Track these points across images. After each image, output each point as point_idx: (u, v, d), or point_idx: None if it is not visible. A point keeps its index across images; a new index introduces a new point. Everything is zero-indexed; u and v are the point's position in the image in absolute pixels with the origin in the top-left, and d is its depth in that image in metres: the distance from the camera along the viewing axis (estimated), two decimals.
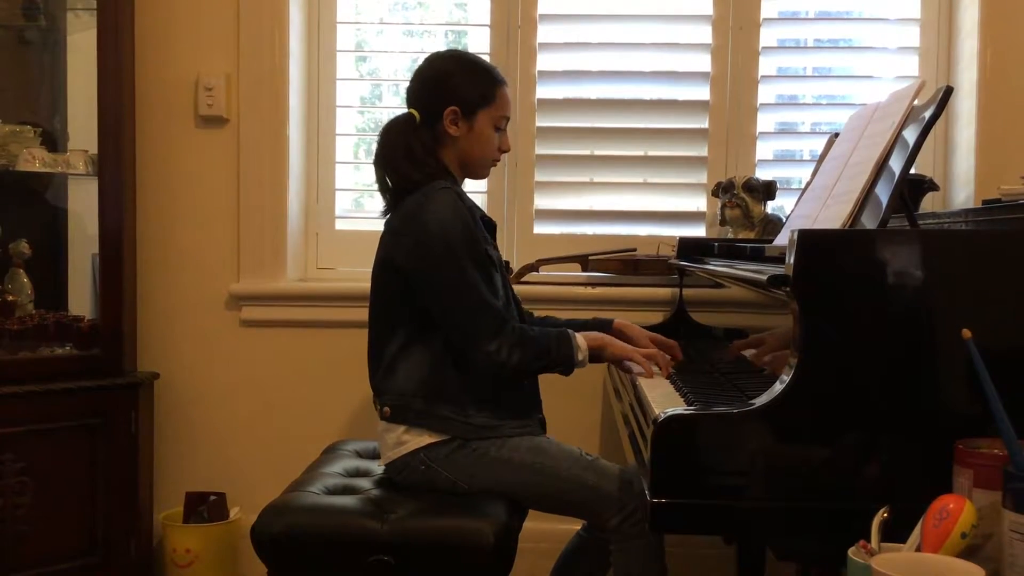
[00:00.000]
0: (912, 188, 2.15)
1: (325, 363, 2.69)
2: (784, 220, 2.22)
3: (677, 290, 2.48)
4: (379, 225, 1.96)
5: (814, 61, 2.85)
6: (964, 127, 2.56)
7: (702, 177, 2.73)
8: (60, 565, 2.40)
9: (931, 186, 2.29)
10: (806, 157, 2.79)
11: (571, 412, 2.46)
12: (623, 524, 1.77)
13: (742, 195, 2.52)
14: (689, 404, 1.53)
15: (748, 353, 2.02)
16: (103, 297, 2.53)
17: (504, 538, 1.73)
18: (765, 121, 2.73)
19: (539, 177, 2.76)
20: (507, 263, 2.05)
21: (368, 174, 2.13)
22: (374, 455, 2.10)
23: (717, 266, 1.94)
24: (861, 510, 1.16)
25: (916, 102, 1.53)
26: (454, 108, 1.91)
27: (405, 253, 1.86)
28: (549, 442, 1.90)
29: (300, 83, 2.74)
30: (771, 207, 2.59)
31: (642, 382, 1.78)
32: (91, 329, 2.54)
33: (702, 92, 2.72)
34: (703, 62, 2.72)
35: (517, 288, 2.16)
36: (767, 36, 2.71)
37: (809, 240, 1.30)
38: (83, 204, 2.68)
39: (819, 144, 2.28)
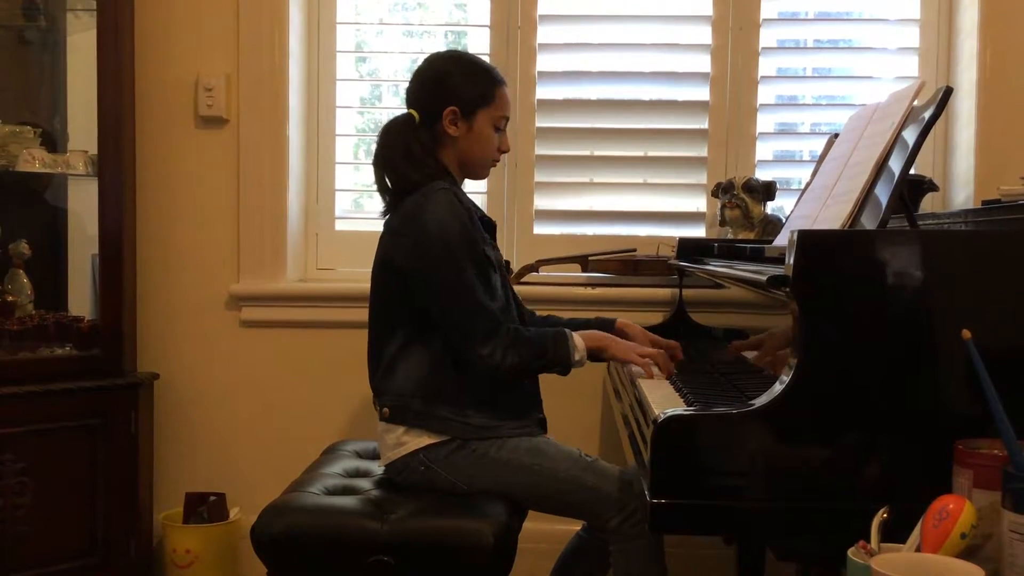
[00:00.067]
0: (912, 188, 2.15)
1: (325, 363, 2.69)
2: (784, 220, 2.22)
3: (677, 290, 2.48)
4: (379, 225, 1.96)
5: (814, 62, 2.85)
6: (964, 127, 2.56)
7: (702, 178, 2.73)
8: (60, 565, 2.40)
9: (931, 186, 2.29)
10: (806, 158, 2.79)
11: (571, 412, 2.46)
12: (623, 525, 1.77)
13: (742, 196, 2.53)
14: (689, 405, 1.53)
15: (749, 355, 2.02)
16: (103, 297, 2.53)
17: (504, 538, 1.73)
18: (765, 122, 2.74)
19: (539, 177, 2.76)
20: (507, 263, 2.05)
21: (368, 175, 2.13)
22: (374, 455, 2.10)
23: (717, 267, 1.94)
24: (861, 510, 1.16)
25: (916, 102, 1.53)
26: (453, 108, 1.91)
27: (404, 253, 1.86)
28: (548, 443, 1.90)
29: (300, 83, 2.74)
30: (771, 207, 2.59)
31: (642, 382, 1.78)
32: (91, 329, 2.54)
33: (702, 93, 2.72)
34: (703, 63, 2.72)
35: (517, 288, 2.16)
36: (767, 37, 2.71)
37: (809, 240, 1.30)
38: (83, 204, 2.68)
39: (819, 145, 2.28)
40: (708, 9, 2.71)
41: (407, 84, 1.99)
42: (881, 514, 1.12)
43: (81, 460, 2.45)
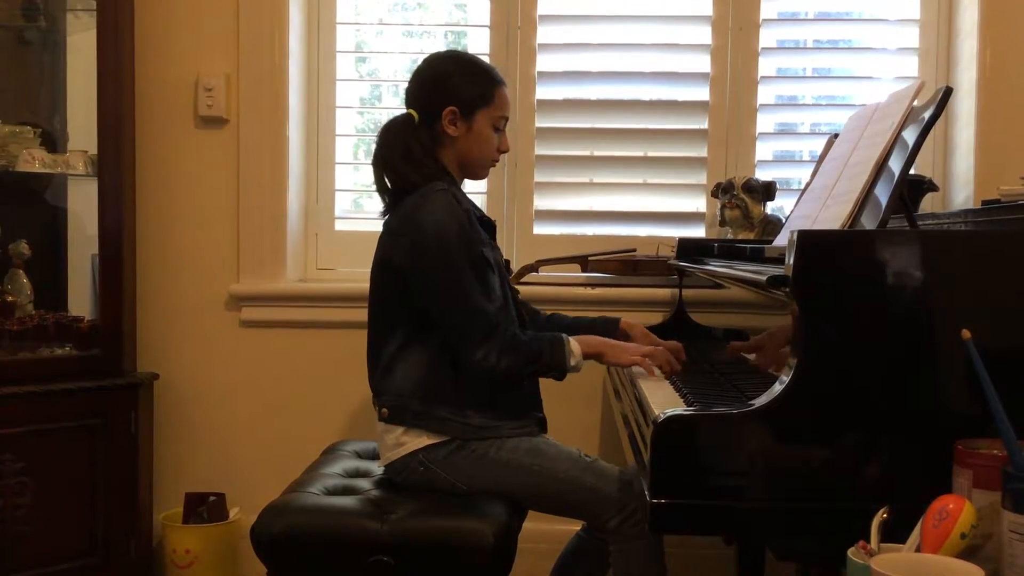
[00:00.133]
0: (912, 188, 2.15)
1: (325, 363, 2.69)
2: (784, 221, 2.22)
3: (677, 291, 2.48)
4: (378, 225, 1.96)
5: (814, 62, 2.85)
6: (963, 127, 2.56)
7: (702, 178, 2.73)
8: (60, 565, 2.40)
9: (931, 186, 2.29)
10: (806, 158, 2.79)
11: (571, 412, 2.46)
12: (622, 525, 1.77)
13: (742, 196, 2.53)
14: (689, 405, 1.53)
15: (749, 356, 2.02)
16: (103, 297, 2.54)
17: (504, 538, 1.73)
18: (765, 122, 2.74)
19: (539, 178, 2.76)
20: (507, 262, 2.05)
21: (367, 175, 2.13)
22: (374, 456, 2.10)
23: (717, 267, 1.94)
24: (861, 510, 1.16)
25: (916, 103, 1.53)
26: (453, 108, 1.91)
27: (402, 253, 1.86)
28: (548, 443, 1.90)
29: (300, 84, 2.74)
30: (771, 208, 2.59)
31: (642, 383, 1.78)
32: (91, 329, 2.54)
33: (702, 93, 2.72)
34: (703, 63, 2.72)
35: (517, 288, 2.16)
36: (767, 37, 2.71)
37: (809, 241, 1.30)
38: (83, 204, 2.68)
39: (819, 145, 2.28)
40: (708, 9, 2.71)
41: (407, 84, 1.99)
42: (881, 514, 1.12)
43: (81, 460, 2.45)
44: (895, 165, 1.47)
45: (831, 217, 1.56)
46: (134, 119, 2.60)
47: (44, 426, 2.38)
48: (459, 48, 2.75)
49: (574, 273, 2.67)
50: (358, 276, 2.48)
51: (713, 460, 1.29)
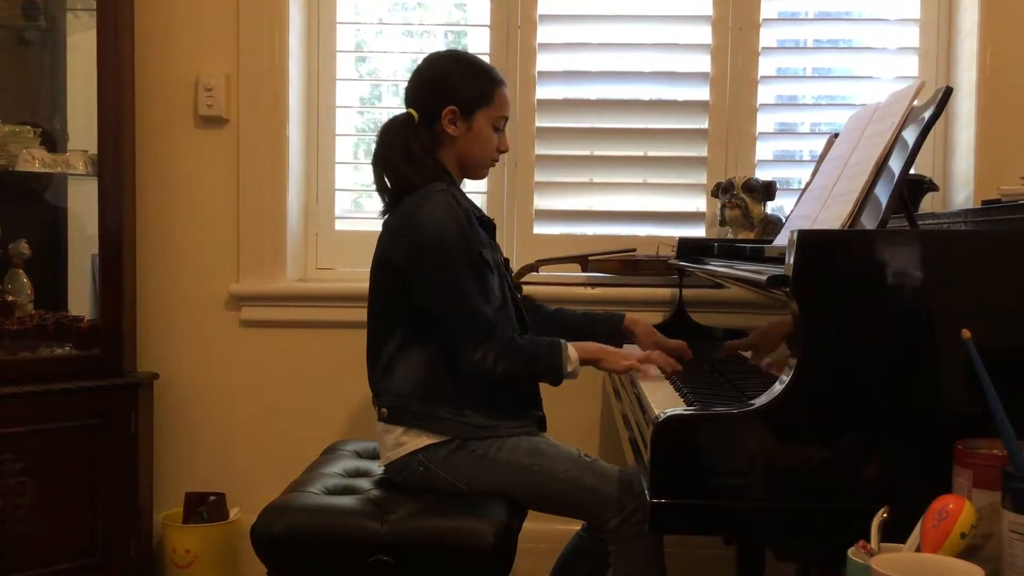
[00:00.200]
0: (912, 188, 2.15)
1: (325, 363, 2.69)
2: (784, 220, 2.22)
3: (677, 290, 2.48)
4: (378, 225, 1.96)
5: (814, 62, 2.85)
6: (964, 127, 2.56)
7: (702, 177, 2.73)
8: (60, 565, 2.39)
9: (931, 186, 2.29)
10: (806, 157, 2.79)
11: (571, 412, 2.46)
12: (622, 525, 1.77)
13: (742, 195, 2.53)
14: (689, 404, 1.53)
15: (747, 355, 2.02)
16: (103, 297, 2.53)
17: (504, 538, 1.73)
18: (765, 121, 2.74)
19: (539, 177, 2.76)
20: (506, 260, 2.05)
21: (367, 174, 2.13)
22: (374, 455, 2.10)
23: (717, 266, 1.94)
24: (861, 510, 1.16)
25: (916, 102, 1.53)
26: (453, 108, 1.91)
27: (401, 253, 1.86)
28: (548, 443, 1.90)
29: (300, 83, 2.74)
30: (771, 207, 2.59)
31: (642, 382, 1.78)
32: (91, 329, 2.54)
33: (702, 92, 2.72)
34: (703, 63, 2.72)
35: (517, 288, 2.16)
36: (767, 37, 2.71)
37: (809, 240, 1.30)
38: (83, 204, 2.68)
39: (819, 145, 2.28)
40: (708, 9, 2.71)
41: (407, 84, 1.99)
42: (881, 514, 1.12)
43: (81, 460, 2.45)
44: (895, 165, 1.47)
45: (831, 217, 1.56)
46: (134, 119, 2.60)
47: (44, 426, 2.38)
48: (459, 48, 2.75)
49: (574, 273, 2.67)
50: (358, 276, 2.48)
51: (713, 460, 1.29)
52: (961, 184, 2.56)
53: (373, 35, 2.85)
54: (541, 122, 2.75)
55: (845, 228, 1.47)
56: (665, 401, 1.58)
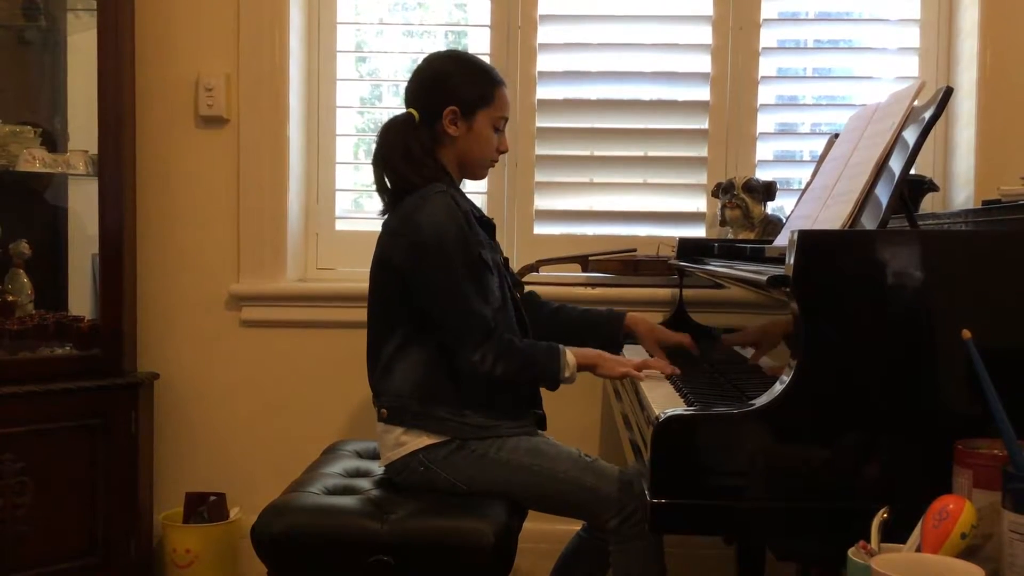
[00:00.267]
0: (912, 188, 2.15)
1: (325, 363, 2.69)
2: (784, 221, 2.22)
3: (677, 290, 2.48)
4: (379, 225, 1.96)
5: (814, 62, 2.85)
6: (964, 127, 2.56)
7: (702, 178, 2.73)
8: (60, 565, 2.39)
9: (931, 186, 2.29)
10: (806, 158, 2.79)
11: (571, 412, 2.46)
12: (622, 525, 1.77)
13: (742, 196, 2.53)
14: (689, 404, 1.53)
15: (744, 352, 2.02)
16: (103, 297, 2.53)
17: (504, 538, 1.73)
18: (765, 122, 2.73)
19: (539, 178, 2.76)
20: (506, 260, 2.05)
21: (368, 174, 2.13)
22: (374, 455, 2.10)
23: (717, 267, 1.94)
24: (861, 510, 1.16)
25: (916, 103, 1.53)
26: (453, 108, 1.91)
27: (400, 254, 1.86)
28: (548, 443, 1.90)
29: (300, 83, 2.74)
30: (771, 208, 2.59)
31: (643, 383, 1.78)
32: (91, 329, 2.54)
33: (702, 93, 2.72)
34: (703, 63, 2.72)
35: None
36: (767, 37, 2.71)
37: (809, 241, 1.30)
38: (83, 204, 2.68)
39: (819, 145, 2.28)
40: (708, 9, 2.71)
41: (407, 84, 1.99)
42: (881, 514, 1.12)
43: (81, 460, 2.45)
44: (895, 165, 1.47)
45: (831, 217, 1.56)
46: (134, 119, 2.60)
47: (44, 426, 2.38)
48: (459, 48, 2.75)
49: (574, 273, 2.67)
50: (358, 276, 2.48)
51: (713, 460, 1.29)
52: (961, 184, 2.56)
53: (373, 35, 2.85)
54: (541, 122, 2.75)
55: (845, 228, 1.47)
56: (665, 401, 1.58)
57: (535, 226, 2.77)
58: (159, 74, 2.67)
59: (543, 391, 2.01)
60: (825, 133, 2.59)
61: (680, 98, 2.75)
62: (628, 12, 2.74)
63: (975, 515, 1.05)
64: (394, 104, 2.81)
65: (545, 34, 2.75)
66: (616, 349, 2.07)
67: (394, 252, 1.88)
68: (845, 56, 2.81)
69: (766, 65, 2.71)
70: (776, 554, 1.46)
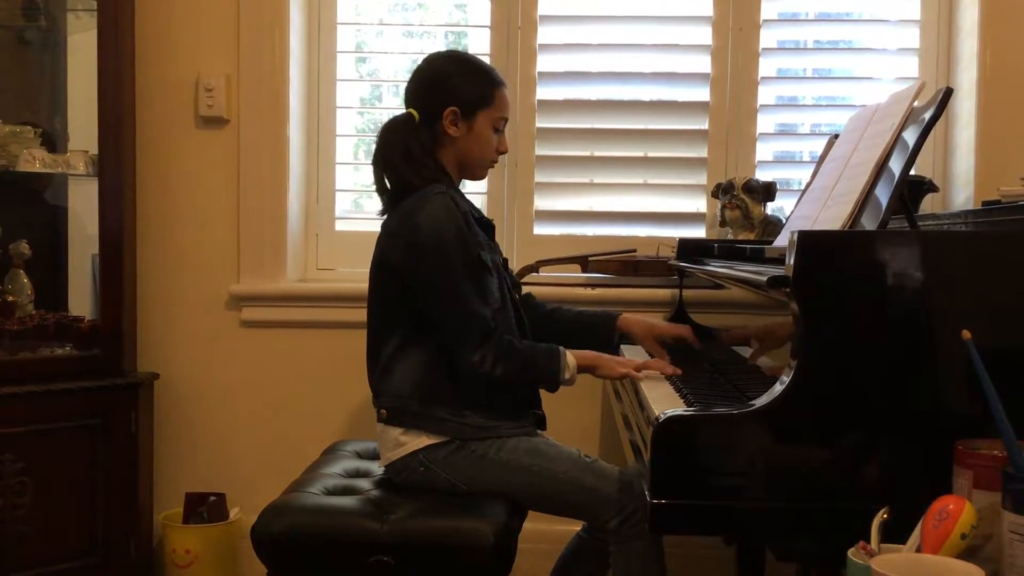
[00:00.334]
0: (912, 189, 2.15)
1: (325, 363, 2.69)
2: (784, 221, 2.23)
3: (677, 291, 2.48)
4: (379, 226, 1.96)
5: (814, 62, 2.85)
6: (964, 128, 2.56)
7: (702, 178, 2.73)
8: (60, 565, 2.39)
9: (931, 187, 2.29)
10: (806, 158, 2.79)
11: (571, 412, 2.46)
12: (622, 526, 1.77)
13: (742, 196, 2.53)
14: (689, 405, 1.53)
15: (749, 355, 2.02)
16: (103, 297, 2.54)
17: (504, 538, 1.73)
18: (765, 122, 2.74)
19: (539, 178, 2.76)
20: (505, 260, 2.05)
21: (368, 175, 2.13)
22: (374, 456, 2.10)
23: (717, 267, 1.94)
24: (861, 510, 1.16)
25: (916, 103, 1.53)
26: (454, 108, 1.92)
27: (400, 254, 1.87)
28: (548, 443, 1.90)
29: (300, 84, 2.74)
30: (771, 208, 2.59)
31: (642, 383, 1.78)
32: (91, 329, 2.54)
33: (702, 93, 2.72)
34: (703, 63, 2.72)
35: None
36: (767, 37, 2.71)
37: (809, 241, 1.30)
38: (83, 204, 2.68)
39: (819, 145, 2.28)
40: (708, 10, 2.71)
41: (407, 84, 1.99)
42: (881, 514, 1.12)
43: (81, 460, 2.45)
44: (895, 166, 1.47)
45: (831, 218, 1.56)
46: (134, 119, 2.60)
47: (44, 426, 2.38)
48: (459, 48, 2.75)
49: (574, 273, 2.67)
50: (358, 276, 2.48)
51: (713, 460, 1.29)
52: (961, 185, 2.56)
53: (373, 36, 2.85)
54: (541, 123, 2.75)
55: (845, 229, 1.47)
56: (665, 401, 1.58)
57: (535, 226, 2.77)
58: (159, 74, 2.67)
59: (543, 392, 2.01)
60: (825, 134, 2.59)
61: (680, 99, 2.75)
62: (628, 13, 2.74)
63: (975, 516, 1.05)
64: (394, 104, 2.81)
65: (545, 34, 2.75)
66: (610, 351, 2.06)
67: (393, 253, 1.88)
68: (845, 57, 2.81)
69: (766, 66, 2.72)
70: (776, 554, 1.46)
